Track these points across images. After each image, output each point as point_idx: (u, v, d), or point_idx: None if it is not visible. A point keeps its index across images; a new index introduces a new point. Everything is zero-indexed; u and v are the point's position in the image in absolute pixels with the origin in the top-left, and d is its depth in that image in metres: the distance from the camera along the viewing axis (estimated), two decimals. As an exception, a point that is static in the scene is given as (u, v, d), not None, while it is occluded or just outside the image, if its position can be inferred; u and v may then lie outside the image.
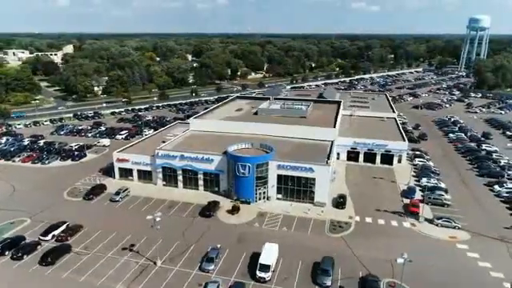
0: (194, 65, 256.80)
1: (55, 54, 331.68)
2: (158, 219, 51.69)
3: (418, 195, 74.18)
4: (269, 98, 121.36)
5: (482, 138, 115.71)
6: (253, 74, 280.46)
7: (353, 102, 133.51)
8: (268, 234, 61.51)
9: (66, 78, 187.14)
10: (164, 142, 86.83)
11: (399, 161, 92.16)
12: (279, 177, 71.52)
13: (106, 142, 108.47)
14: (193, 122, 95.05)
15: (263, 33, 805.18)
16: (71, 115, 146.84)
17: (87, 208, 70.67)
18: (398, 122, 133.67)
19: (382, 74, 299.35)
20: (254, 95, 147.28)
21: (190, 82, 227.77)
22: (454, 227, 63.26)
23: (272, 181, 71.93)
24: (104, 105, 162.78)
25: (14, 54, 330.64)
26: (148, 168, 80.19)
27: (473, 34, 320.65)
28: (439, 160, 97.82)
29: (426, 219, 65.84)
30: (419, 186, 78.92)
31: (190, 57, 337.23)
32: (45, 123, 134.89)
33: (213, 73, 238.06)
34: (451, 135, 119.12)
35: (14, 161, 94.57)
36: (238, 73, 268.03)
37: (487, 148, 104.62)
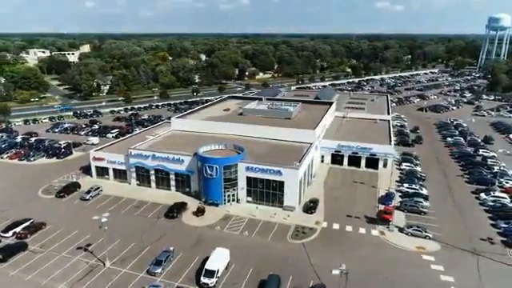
0: (204, 64, 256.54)
1: (72, 54, 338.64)
2: (103, 220, 50.90)
3: (397, 201, 70.85)
4: (261, 99, 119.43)
5: (482, 143, 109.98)
6: (261, 74, 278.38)
7: (349, 104, 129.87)
8: (227, 237, 59.90)
9: (71, 77, 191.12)
10: (144, 140, 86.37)
11: (385, 165, 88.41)
12: (249, 179, 69.66)
13: (94, 140, 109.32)
14: (174, 122, 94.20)
15: (285, 33, 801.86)
16: (71, 113, 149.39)
17: (57, 206, 70.92)
18: (396, 124, 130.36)
19: (394, 74, 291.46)
20: (250, 95, 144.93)
21: (197, 81, 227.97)
22: (425, 237, 59.76)
23: (242, 183, 70.25)
24: (103, 103, 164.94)
25: (34, 53, 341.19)
26: (123, 167, 80.00)
27: (492, 33, 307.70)
28: (430, 165, 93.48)
29: (397, 227, 62.71)
30: (400, 192, 75.63)
31: (203, 56, 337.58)
32: (43, 121, 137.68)
33: (219, 73, 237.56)
34: (449, 139, 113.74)
35: (2, 157, 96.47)
36: (246, 73, 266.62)
37: (484, 153, 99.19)
